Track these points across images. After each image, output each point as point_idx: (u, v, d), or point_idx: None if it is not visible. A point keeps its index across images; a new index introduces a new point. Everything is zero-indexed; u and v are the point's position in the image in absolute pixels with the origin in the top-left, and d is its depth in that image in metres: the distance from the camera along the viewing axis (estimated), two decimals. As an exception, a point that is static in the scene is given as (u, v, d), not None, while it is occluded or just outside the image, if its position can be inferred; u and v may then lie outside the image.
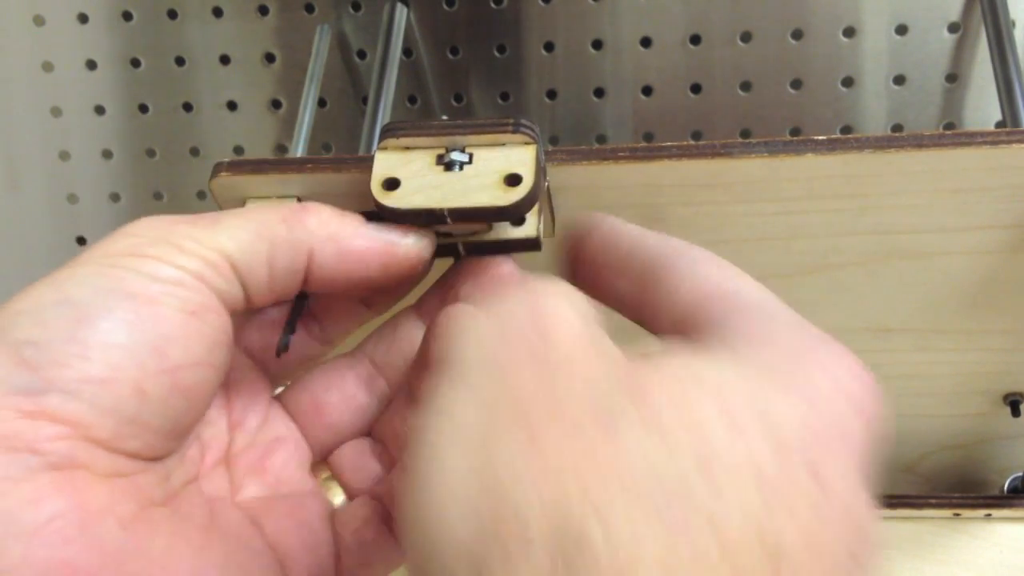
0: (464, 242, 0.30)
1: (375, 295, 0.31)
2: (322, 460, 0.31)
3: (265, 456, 0.30)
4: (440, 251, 0.31)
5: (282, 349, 0.30)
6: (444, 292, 0.32)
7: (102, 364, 0.24)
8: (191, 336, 0.25)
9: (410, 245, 0.29)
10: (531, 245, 0.30)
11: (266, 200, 0.30)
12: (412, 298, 0.32)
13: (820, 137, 0.35)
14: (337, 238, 0.28)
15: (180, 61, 0.69)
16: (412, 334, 0.31)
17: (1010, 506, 0.49)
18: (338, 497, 0.31)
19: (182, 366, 0.25)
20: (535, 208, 0.30)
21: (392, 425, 0.31)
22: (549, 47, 0.65)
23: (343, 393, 0.31)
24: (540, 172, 0.34)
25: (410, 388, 0.30)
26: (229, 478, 0.29)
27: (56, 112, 0.71)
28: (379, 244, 0.29)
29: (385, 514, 0.30)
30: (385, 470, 0.31)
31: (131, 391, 0.24)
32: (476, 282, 0.31)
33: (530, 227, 0.30)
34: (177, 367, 0.25)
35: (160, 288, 0.25)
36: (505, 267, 0.31)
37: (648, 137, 0.67)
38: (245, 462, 0.30)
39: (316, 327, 0.32)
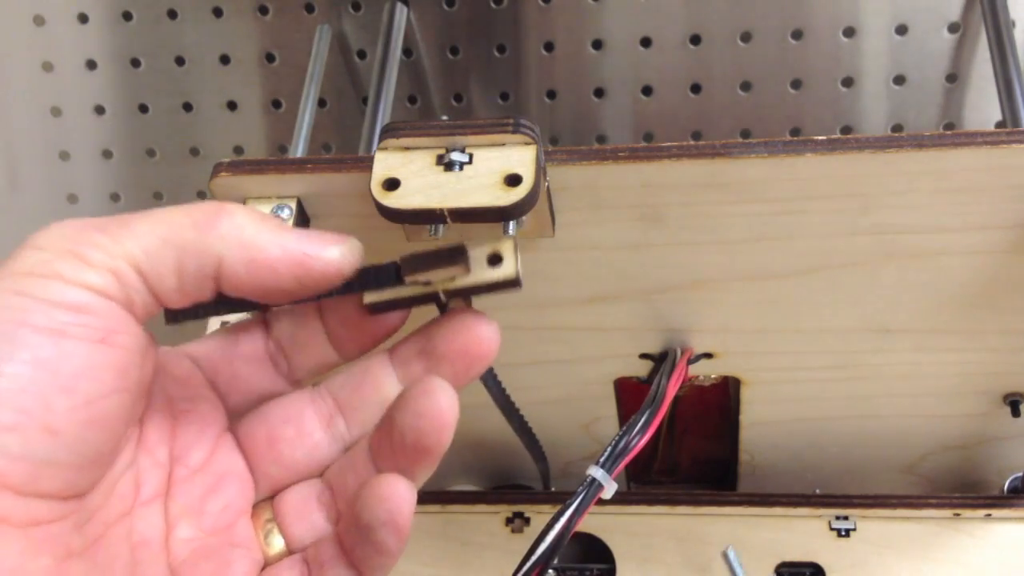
0: (444, 289, 0.29)
1: (292, 303, 0.30)
2: (269, 498, 0.30)
3: (206, 495, 0.29)
4: (421, 299, 0.29)
5: (169, 319, 0.28)
6: (422, 343, 0.30)
7: (8, 410, 0.23)
8: (101, 366, 0.25)
9: (329, 258, 0.27)
10: (511, 284, 0.29)
11: (189, 206, 0.29)
12: (389, 343, 0.31)
13: (820, 137, 0.35)
14: (248, 246, 0.27)
15: (180, 61, 0.69)
16: (380, 380, 0.30)
17: (1010, 506, 0.49)
18: (278, 541, 0.30)
19: (93, 399, 0.25)
20: (511, 246, 0.29)
21: (345, 478, 0.30)
22: (549, 47, 0.65)
23: (300, 429, 0.30)
24: (540, 172, 0.34)
25: (371, 447, 0.29)
26: (164, 516, 0.29)
27: (56, 112, 0.71)
28: (294, 256, 0.27)
29: None
30: (328, 523, 0.30)
31: (41, 433, 0.24)
32: (453, 344, 0.29)
33: (508, 267, 0.29)
34: (88, 402, 0.24)
35: (66, 317, 0.24)
36: (485, 331, 0.29)
37: (648, 137, 0.67)
38: (183, 500, 0.29)
39: (283, 363, 0.31)
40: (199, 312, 0.28)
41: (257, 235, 0.27)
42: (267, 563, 0.29)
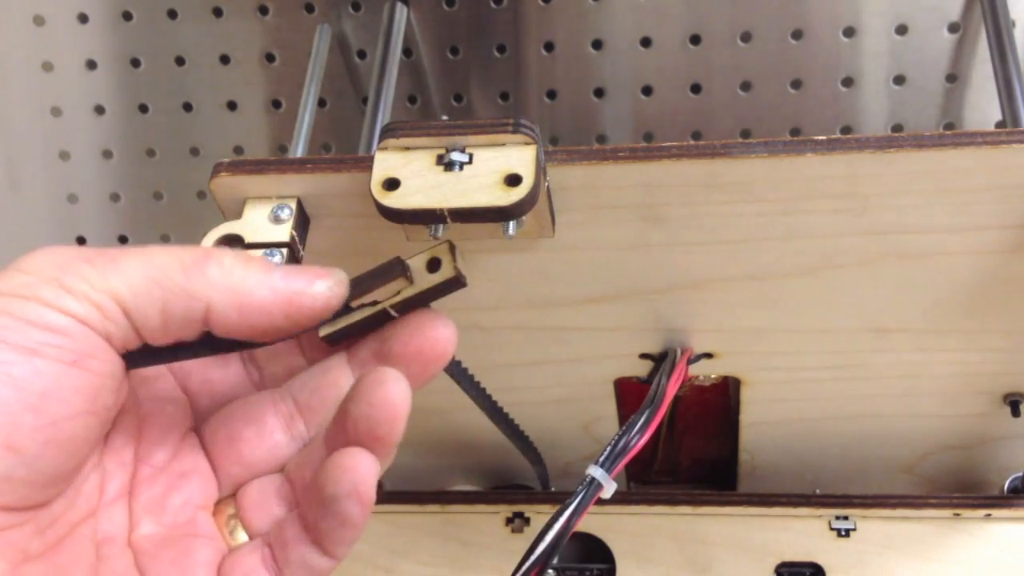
0: (392, 305, 0.29)
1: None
2: (231, 495, 0.31)
3: (167, 492, 0.30)
4: (374, 320, 0.29)
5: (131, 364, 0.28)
6: (378, 345, 0.31)
7: None
8: (70, 388, 0.25)
9: (317, 294, 0.28)
10: (455, 284, 0.29)
11: (173, 247, 0.29)
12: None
13: (820, 137, 0.35)
14: (238, 290, 0.27)
15: (180, 61, 0.69)
16: (340, 380, 0.31)
17: (1010, 506, 0.49)
18: (242, 536, 0.30)
19: (59, 420, 0.25)
20: (446, 249, 0.29)
21: (303, 470, 0.30)
22: (549, 47, 0.65)
23: (260, 429, 0.31)
24: (540, 172, 0.34)
25: (325, 440, 0.30)
26: (128, 513, 0.29)
27: (56, 112, 0.71)
28: (283, 296, 0.27)
29: (272, 563, 0.29)
30: (287, 511, 0.30)
31: (2, 449, 0.24)
32: (408, 345, 0.30)
33: (447, 269, 0.29)
34: (54, 422, 0.25)
35: (41, 337, 0.25)
36: (441, 331, 0.30)
37: (648, 137, 0.67)
38: (146, 497, 0.29)
39: (255, 370, 0.32)
40: (176, 354, 0.28)
41: (245, 279, 0.27)
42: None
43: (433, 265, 0.29)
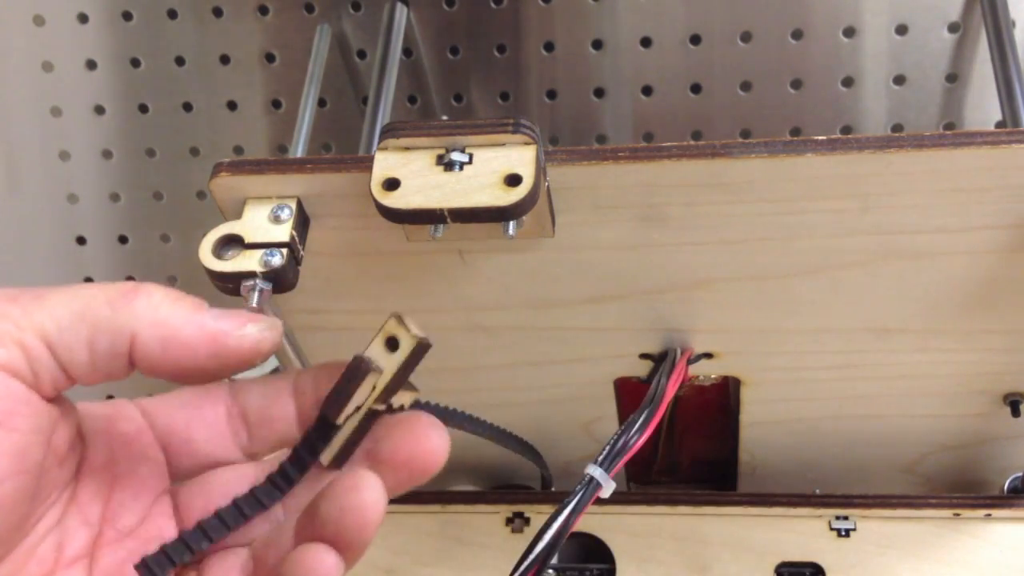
0: (374, 403, 0.28)
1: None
2: (194, 565, 0.30)
3: (130, 558, 0.28)
4: (368, 422, 0.28)
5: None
6: (369, 445, 0.29)
7: None
8: None
9: (245, 335, 0.27)
10: (422, 350, 0.28)
11: (103, 284, 0.28)
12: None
13: (820, 137, 0.35)
14: (163, 324, 0.26)
15: (180, 61, 0.69)
16: (326, 472, 0.29)
17: (1010, 506, 0.49)
18: None
19: None
20: (395, 323, 0.28)
21: (267, 551, 0.29)
22: (549, 47, 0.65)
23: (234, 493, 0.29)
24: (540, 172, 0.34)
25: (296, 527, 0.28)
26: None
27: (56, 112, 0.71)
28: (210, 334, 0.27)
29: None
30: None
31: None
32: (398, 453, 0.28)
33: (405, 341, 0.27)
34: None
35: None
36: (434, 442, 0.28)
37: (648, 137, 0.67)
38: (108, 562, 0.28)
39: (243, 434, 0.30)
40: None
41: (172, 313, 0.27)
42: None
43: (392, 344, 0.28)
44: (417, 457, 0.28)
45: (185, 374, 0.27)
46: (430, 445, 0.28)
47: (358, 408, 0.28)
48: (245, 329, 0.27)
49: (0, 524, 0.25)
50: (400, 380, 0.28)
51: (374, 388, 0.28)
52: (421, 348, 0.28)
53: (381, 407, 0.28)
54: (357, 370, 0.28)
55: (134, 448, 0.29)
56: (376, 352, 0.28)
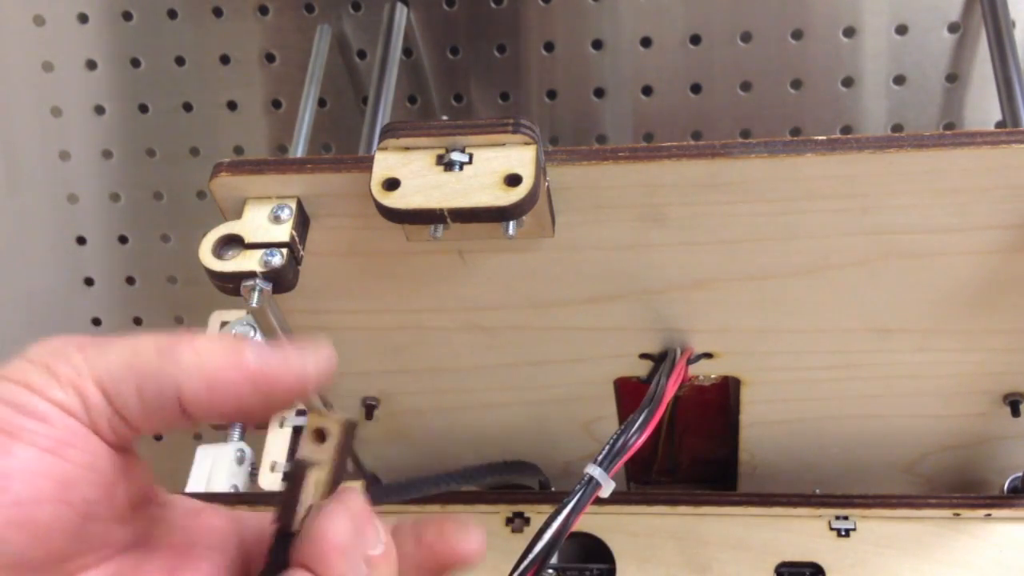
0: (320, 496, 0.29)
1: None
2: None
3: None
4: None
5: None
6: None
7: None
8: (41, 473, 0.25)
9: (286, 369, 0.28)
10: (351, 428, 0.29)
11: (158, 334, 0.29)
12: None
13: (820, 137, 0.35)
14: (205, 369, 0.27)
15: (180, 61, 0.69)
16: None
17: (1010, 506, 0.49)
18: None
19: (23, 502, 0.25)
20: (316, 416, 0.29)
21: None
22: (549, 47, 0.65)
23: None
24: (540, 172, 0.34)
25: None
26: None
27: (56, 112, 0.71)
28: (250, 372, 0.27)
29: None
30: None
31: None
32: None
33: (331, 426, 0.28)
34: (16, 502, 0.25)
35: (21, 422, 0.25)
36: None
37: (648, 137, 0.67)
38: None
39: None
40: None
41: (213, 358, 0.28)
42: None
43: (320, 436, 0.29)
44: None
45: (239, 414, 0.28)
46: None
47: (308, 509, 0.28)
48: (287, 361, 0.28)
49: (33, 547, 0.26)
50: (341, 466, 0.29)
51: (317, 484, 0.28)
52: (349, 427, 0.29)
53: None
54: (297, 473, 0.28)
55: (213, 541, 0.30)
56: (309, 450, 0.29)
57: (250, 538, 0.31)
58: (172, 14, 0.67)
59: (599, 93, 0.66)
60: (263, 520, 0.30)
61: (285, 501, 0.28)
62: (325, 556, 0.27)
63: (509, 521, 0.52)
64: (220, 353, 0.28)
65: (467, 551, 0.30)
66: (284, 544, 0.28)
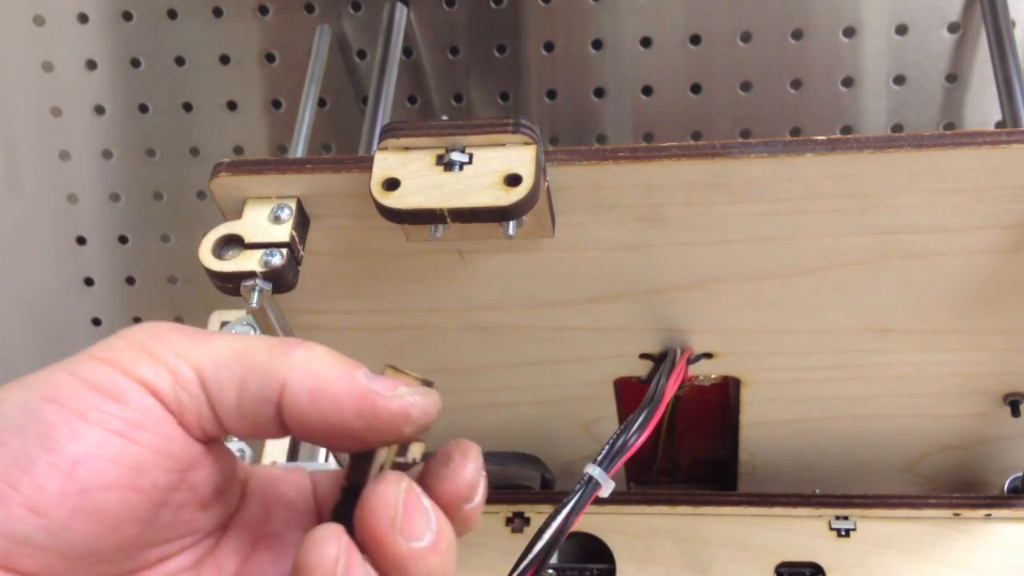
0: (394, 463, 0.28)
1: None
2: None
3: None
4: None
5: None
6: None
7: None
8: (108, 458, 0.24)
9: (394, 399, 0.27)
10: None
11: (273, 336, 0.28)
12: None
13: (820, 137, 0.35)
14: (315, 375, 0.26)
15: (180, 61, 0.69)
16: None
17: (1010, 506, 0.49)
18: None
19: (90, 489, 0.24)
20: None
21: None
22: (549, 47, 0.65)
23: None
24: (540, 172, 0.34)
25: None
26: None
27: (56, 112, 0.71)
28: (359, 390, 0.26)
29: None
30: None
31: (24, 510, 0.23)
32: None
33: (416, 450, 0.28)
34: (83, 490, 0.24)
35: (92, 402, 0.24)
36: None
37: (648, 137, 0.67)
38: None
39: None
40: None
41: (325, 367, 0.26)
42: None
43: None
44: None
45: (332, 431, 0.27)
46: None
47: (381, 468, 0.28)
48: (397, 391, 0.27)
49: (91, 536, 0.25)
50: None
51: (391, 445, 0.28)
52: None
53: (401, 459, 0.28)
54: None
55: (290, 513, 0.29)
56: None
57: (323, 499, 0.30)
58: (172, 14, 0.67)
59: (599, 93, 0.66)
60: (336, 479, 0.30)
61: (359, 458, 0.28)
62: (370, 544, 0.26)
63: (509, 521, 0.52)
64: (332, 362, 0.27)
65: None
66: (350, 503, 0.27)
